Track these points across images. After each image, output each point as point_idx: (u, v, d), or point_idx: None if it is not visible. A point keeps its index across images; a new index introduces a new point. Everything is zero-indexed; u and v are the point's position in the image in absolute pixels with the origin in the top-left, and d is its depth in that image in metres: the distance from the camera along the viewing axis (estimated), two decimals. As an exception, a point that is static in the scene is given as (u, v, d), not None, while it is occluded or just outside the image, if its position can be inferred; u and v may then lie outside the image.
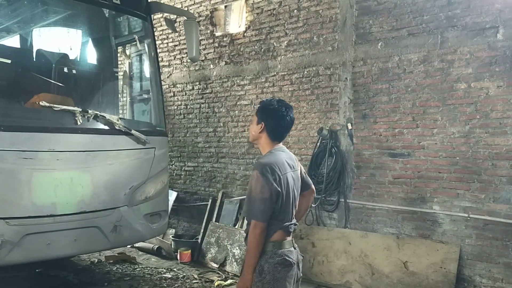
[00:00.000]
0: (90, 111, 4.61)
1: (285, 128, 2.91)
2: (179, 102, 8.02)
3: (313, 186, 3.18)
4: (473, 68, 4.77)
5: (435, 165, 5.03)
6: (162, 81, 7.75)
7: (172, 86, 8.11)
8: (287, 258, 2.77)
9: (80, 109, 4.56)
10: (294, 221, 2.90)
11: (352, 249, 5.45)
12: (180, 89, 8.00)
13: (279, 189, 2.71)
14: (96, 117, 4.63)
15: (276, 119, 2.85)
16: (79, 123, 4.51)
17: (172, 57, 8.09)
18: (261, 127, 2.86)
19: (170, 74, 8.10)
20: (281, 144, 2.94)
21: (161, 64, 8.00)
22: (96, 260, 6.44)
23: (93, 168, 4.55)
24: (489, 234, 4.68)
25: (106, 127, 4.70)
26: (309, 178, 3.15)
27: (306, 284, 5.30)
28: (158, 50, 7.87)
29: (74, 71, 5.70)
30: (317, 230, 5.87)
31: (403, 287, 4.96)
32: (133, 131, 4.83)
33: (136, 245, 6.90)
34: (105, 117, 4.68)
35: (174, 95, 8.09)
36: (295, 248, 2.88)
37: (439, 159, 5.00)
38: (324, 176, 5.76)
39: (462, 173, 4.84)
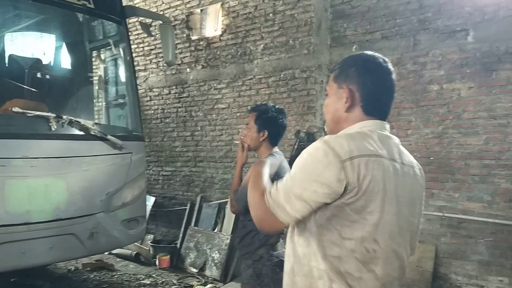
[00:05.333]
0: (64, 117, 4.53)
1: (283, 133, 3.02)
2: (156, 107, 7.97)
3: None
4: (445, 70, 4.88)
5: (410, 165, 5.11)
6: (138, 86, 7.69)
7: (148, 91, 8.05)
8: (283, 259, 2.80)
9: (54, 115, 4.48)
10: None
11: (331, 250, 5.49)
12: (156, 93, 7.95)
13: None
14: (71, 123, 4.56)
15: (276, 126, 2.94)
16: (53, 129, 4.42)
17: (148, 61, 8.03)
18: (263, 135, 2.91)
19: (147, 79, 8.05)
20: (277, 148, 3.01)
21: (137, 68, 7.95)
22: (73, 268, 6.33)
23: (68, 175, 4.48)
24: (463, 232, 4.78)
25: (81, 133, 4.63)
26: None
27: None
28: (134, 54, 7.80)
29: (48, 76, 5.59)
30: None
31: (381, 287, 5.02)
32: (108, 136, 4.77)
33: (114, 251, 6.81)
34: (80, 122, 4.61)
35: (150, 100, 8.04)
36: None
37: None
38: (302, 178, 5.79)
39: (436, 173, 4.94)
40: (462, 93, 4.77)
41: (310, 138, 5.88)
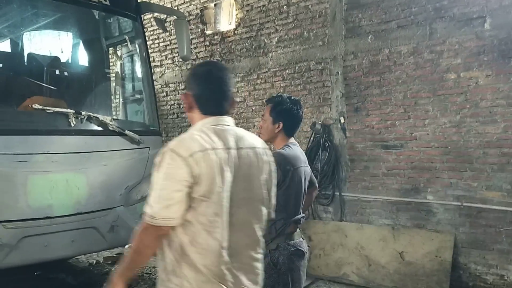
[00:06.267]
0: (83, 113, 4.61)
1: (299, 124, 3.00)
2: (172, 102, 8.04)
3: (317, 184, 3.26)
4: (462, 58, 4.82)
5: (428, 155, 5.09)
6: (154, 81, 7.78)
7: (164, 86, 8.12)
8: (300, 248, 2.87)
9: (73, 111, 4.56)
10: (302, 214, 2.98)
11: (348, 241, 5.50)
12: (172, 89, 8.02)
13: (293, 179, 2.78)
14: (89, 119, 4.64)
15: (291, 118, 2.92)
16: (72, 124, 4.51)
17: (164, 57, 8.10)
18: (278, 126, 2.90)
19: (162, 74, 8.12)
20: (293, 139, 3.00)
21: (153, 64, 8.00)
22: (95, 262, 6.45)
23: (88, 169, 4.56)
24: (482, 222, 4.74)
25: (100, 128, 4.70)
26: (313, 175, 3.20)
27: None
28: (150, 50, 7.87)
29: (66, 73, 5.67)
30: (313, 224, 5.91)
31: (400, 277, 5.02)
32: (126, 132, 4.83)
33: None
34: (98, 118, 4.68)
35: (166, 95, 8.11)
36: (303, 239, 2.96)
37: (432, 149, 5.05)
38: (319, 171, 5.80)
39: (454, 162, 4.90)
40: (480, 81, 4.72)
41: (326, 130, 5.95)
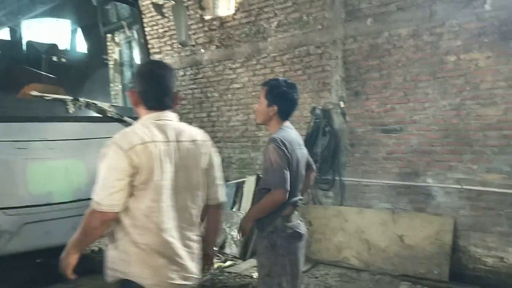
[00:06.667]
0: (81, 99, 4.61)
1: (294, 107, 2.98)
2: (172, 89, 7.99)
3: (314, 166, 3.25)
4: (462, 40, 4.78)
5: (428, 138, 5.07)
6: (153, 68, 7.74)
7: (164, 73, 8.07)
8: (297, 230, 2.88)
9: (72, 98, 4.56)
10: (300, 196, 2.99)
11: (349, 225, 5.51)
12: (172, 75, 7.97)
13: (291, 162, 2.79)
14: (87, 105, 4.63)
15: (286, 101, 2.91)
16: (71, 111, 4.51)
17: (163, 43, 8.05)
18: (273, 109, 2.89)
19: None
20: (288, 122, 2.99)
21: (151, 50, 7.97)
22: (97, 248, 6.48)
23: (87, 156, 4.55)
24: (482, 205, 4.73)
25: (98, 115, 4.70)
26: (310, 158, 3.19)
27: (304, 262, 5.36)
28: (148, 37, 7.84)
29: (64, 60, 5.65)
30: (314, 208, 5.92)
31: (400, 260, 5.03)
32: (125, 118, 4.82)
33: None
34: (96, 104, 4.68)
35: (166, 82, 8.06)
36: (301, 221, 2.98)
37: (431, 132, 5.03)
38: (319, 155, 5.79)
39: (454, 145, 4.88)
40: (480, 63, 4.68)
41: (326, 114, 5.92)
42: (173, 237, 2.07)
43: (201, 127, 7.46)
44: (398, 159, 5.31)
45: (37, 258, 5.74)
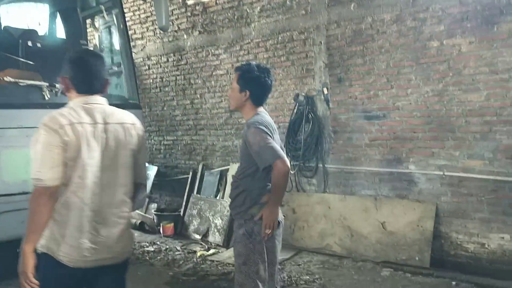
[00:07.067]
0: (57, 86, 4.48)
1: (268, 93, 2.93)
2: (154, 75, 7.88)
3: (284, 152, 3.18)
4: (445, 25, 4.73)
5: (410, 125, 5.04)
6: (136, 54, 7.60)
7: (146, 59, 7.95)
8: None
9: (47, 84, 4.44)
10: None
11: (332, 212, 5.50)
12: (154, 62, 7.85)
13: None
14: (64, 91, 4.51)
15: (259, 86, 2.85)
16: (47, 98, 4.40)
17: (145, 29, 7.90)
18: (245, 95, 2.84)
19: (144, 47, 7.93)
20: (262, 108, 2.93)
21: (134, 36, 7.84)
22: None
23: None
24: (464, 191, 4.73)
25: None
26: (282, 145, 3.13)
27: (287, 249, 5.35)
28: (130, 22, 7.70)
29: (40, 46, 5.50)
30: (297, 196, 5.89)
31: (382, 247, 5.03)
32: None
33: (118, 220, 6.85)
34: (73, 91, 4.56)
35: (149, 68, 7.95)
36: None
37: (414, 119, 5.01)
38: (302, 143, 5.75)
39: (436, 131, 4.86)
40: (463, 48, 4.64)
41: (309, 101, 5.85)
42: (97, 213, 2.19)
43: (184, 114, 7.42)
44: (381, 146, 5.28)
45: (16, 248, 5.66)
